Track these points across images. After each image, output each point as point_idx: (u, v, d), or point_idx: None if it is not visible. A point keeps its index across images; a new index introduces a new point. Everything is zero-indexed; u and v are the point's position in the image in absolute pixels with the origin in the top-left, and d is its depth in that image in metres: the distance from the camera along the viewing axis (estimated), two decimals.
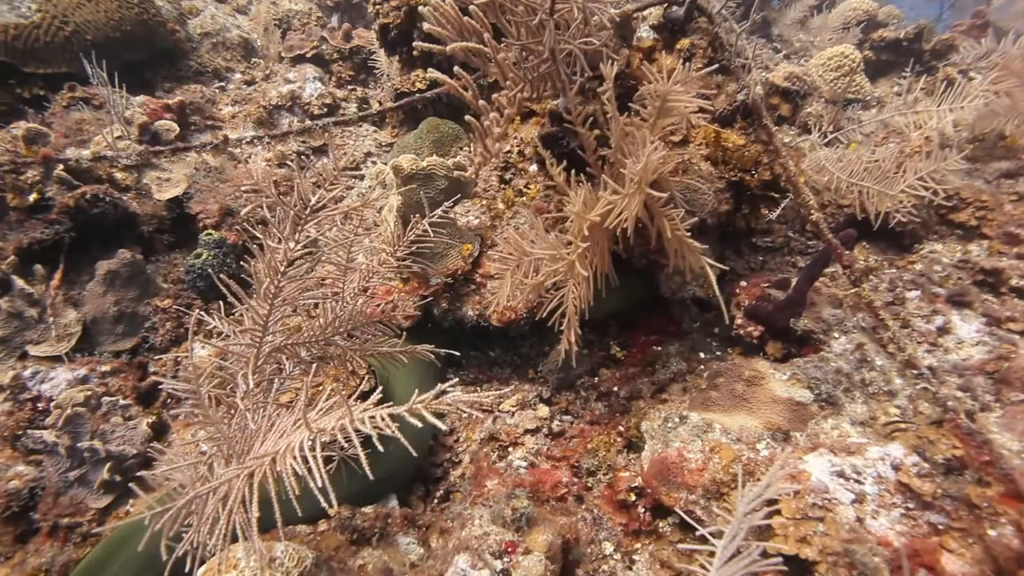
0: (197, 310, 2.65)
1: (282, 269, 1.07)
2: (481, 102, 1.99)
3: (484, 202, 2.88)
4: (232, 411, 1.00)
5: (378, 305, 2.42)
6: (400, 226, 2.19)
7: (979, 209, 2.99)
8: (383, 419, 0.81)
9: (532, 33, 2.01)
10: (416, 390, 0.97)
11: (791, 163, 2.04)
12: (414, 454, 0.97)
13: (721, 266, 1.78)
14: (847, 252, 1.89)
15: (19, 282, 2.46)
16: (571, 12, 2.03)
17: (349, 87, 4.55)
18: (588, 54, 2.25)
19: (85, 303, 2.58)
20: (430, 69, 2.02)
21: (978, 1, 7.14)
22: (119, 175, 2.95)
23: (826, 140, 2.22)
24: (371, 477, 0.86)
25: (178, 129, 3.29)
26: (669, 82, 1.83)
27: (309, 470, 0.84)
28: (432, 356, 1.68)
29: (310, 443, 0.78)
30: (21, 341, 2.45)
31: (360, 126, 4.24)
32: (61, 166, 2.66)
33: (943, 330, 2.46)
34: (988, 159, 3.50)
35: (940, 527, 1.57)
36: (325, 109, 4.10)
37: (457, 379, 2.69)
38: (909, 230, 2.98)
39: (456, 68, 1.97)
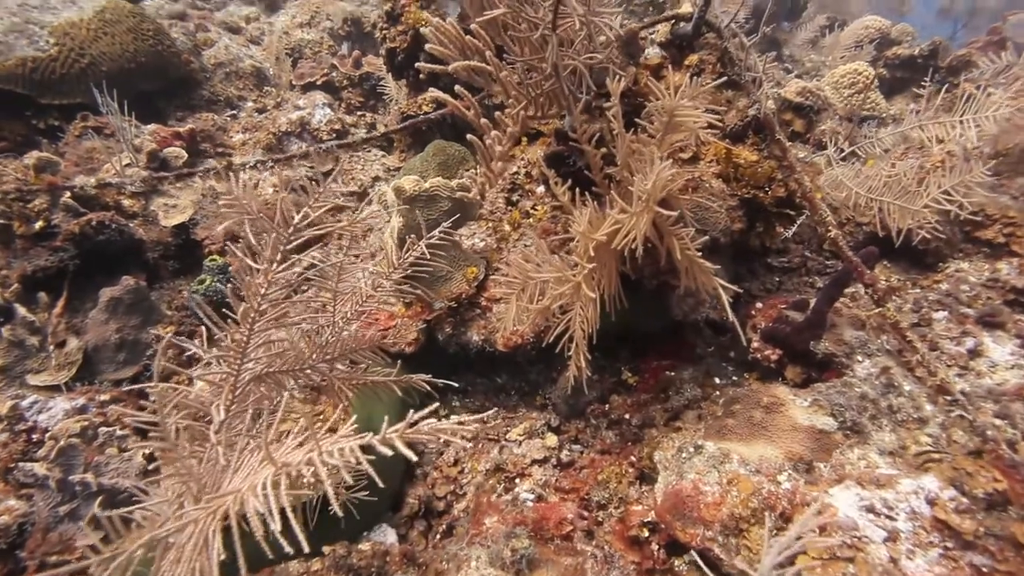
0: (168, 335, 2.60)
1: (262, 292, 1.02)
2: (483, 120, 1.94)
3: (490, 224, 2.83)
4: (207, 445, 0.94)
5: (380, 331, 2.35)
6: (398, 251, 2.14)
7: (1007, 226, 2.87)
8: (352, 451, 0.74)
9: (535, 50, 1.97)
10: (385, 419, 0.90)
11: (806, 178, 1.96)
12: (380, 484, 0.89)
13: (734, 288, 1.69)
14: (868, 271, 1.79)
15: (21, 310, 2.44)
16: (575, 29, 2.00)
17: (359, 113, 4.58)
18: (594, 72, 2.21)
19: (87, 331, 2.55)
20: (431, 89, 1.99)
21: (992, 19, 7.07)
22: (126, 202, 2.95)
23: (842, 155, 2.14)
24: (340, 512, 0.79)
25: (186, 156, 3.30)
26: (676, 97, 1.77)
27: (284, 510, 0.77)
28: (427, 387, 1.59)
29: (274, 480, 0.71)
30: (22, 370, 2.42)
31: (368, 151, 4.25)
32: (68, 193, 2.67)
33: (974, 352, 2.32)
34: (1013, 174, 3.38)
35: (984, 570, 1.44)
36: (334, 135, 4.12)
37: (460, 406, 2.65)
38: (933, 248, 2.86)
39: (457, 87, 1.93)
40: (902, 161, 2.49)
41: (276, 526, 0.68)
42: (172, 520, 0.80)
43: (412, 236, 2.04)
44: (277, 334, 1.16)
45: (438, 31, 2.04)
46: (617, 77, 1.84)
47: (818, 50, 5.92)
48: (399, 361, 2.32)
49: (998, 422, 1.89)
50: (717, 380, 2.46)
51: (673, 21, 2.46)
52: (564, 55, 1.89)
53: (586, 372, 1.95)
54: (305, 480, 0.72)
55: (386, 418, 0.87)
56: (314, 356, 1.08)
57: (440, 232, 2.35)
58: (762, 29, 2.08)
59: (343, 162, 4.02)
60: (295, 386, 1.16)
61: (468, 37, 2.03)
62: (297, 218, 1.10)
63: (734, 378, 2.45)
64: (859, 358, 2.14)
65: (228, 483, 0.80)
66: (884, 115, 4.12)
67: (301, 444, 0.80)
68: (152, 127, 3.51)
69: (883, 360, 2.11)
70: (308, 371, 1.10)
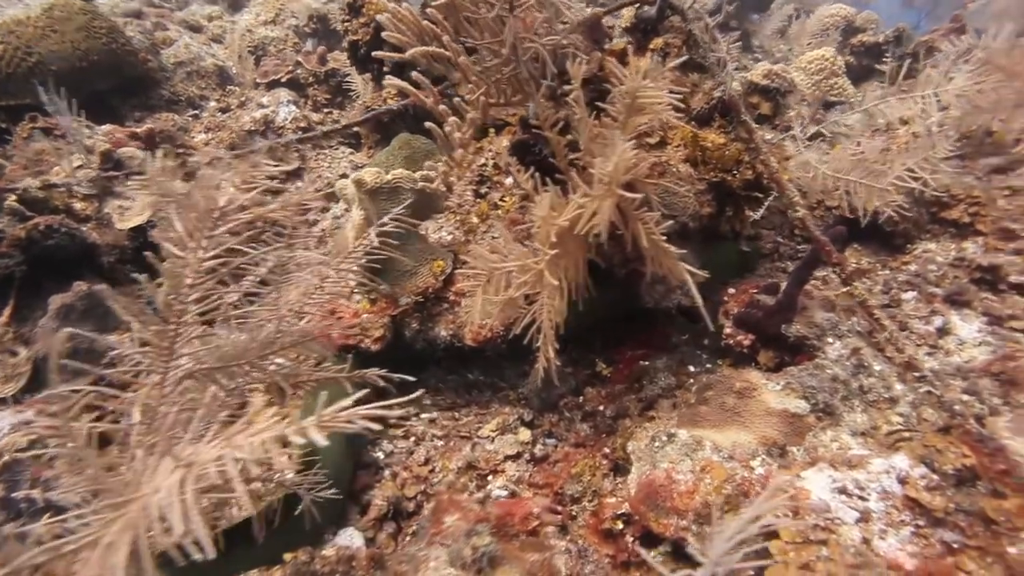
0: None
1: (188, 282, 0.95)
2: (442, 107, 1.89)
3: (458, 217, 2.77)
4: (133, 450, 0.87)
5: (345, 329, 2.28)
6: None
7: (972, 205, 2.89)
8: (263, 444, 0.68)
9: (494, 34, 1.92)
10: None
11: (772, 160, 1.93)
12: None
13: (701, 273, 1.66)
14: (836, 251, 1.77)
15: None
16: (536, 12, 1.95)
17: (325, 110, 4.48)
18: (558, 57, 2.16)
19: (37, 340, 2.44)
20: (389, 78, 1.92)
21: (954, 7, 7.19)
22: (78, 205, 2.84)
23: (808, 138, 2.13)
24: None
25: (143, 157, 3.18)
26: (638, 78, 1.73)
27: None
28: (381, 382, 1.53)
29: (179, 480, 0.64)
30: None
31: (336, 148, 4.16)
32: (13, 196, 2.55)
33: (943, 331, 2.33)
34: (977, 155, 3.42)
35: (955, 546, 1.42)
36: (300, 133, 4.02)
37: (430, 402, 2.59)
38: (901, 230, 2.87)
39: (415, 74, 1.87)
40: (868, 142, 2.49)
41: (180, 530, 0.61)
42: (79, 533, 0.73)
43: (371, 230, 1.98)
44: (220, 329, 1.09)
45: (395, 17, 1.98)
46: (578, 60, 1.80)
47: (787, 39, 5.96)
48: (364, 359, 2.26)
49: (966, 398, 1.89)
50: (692, 368, 2.43)
51: (637, 5, 2.43)
52: (524, 39, 1.84)
53: (556, 364, 1.90)
54: (221, 477, 0.65)
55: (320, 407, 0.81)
56: (255, 352, 1.02)
57: (404, 224, 2.29)
58: (725, 8, 2.05)
59: (310, 161, 3.92)
60: (237, 384, 1.09)
61: (426, 23, 1.97)
62: (222, 201, 1.04)
63: (708, 366, 2.42)
64: (830, 340, 2.12)
65: (140, 489, 0.73)
66: (851, 100, 4.14)
67: (226, 441, 0.74)
68: (107, 128, 3.38)
69: (854, 341, 2.10)
70: (248, 368, 1.04)
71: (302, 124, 4.04)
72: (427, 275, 2.31)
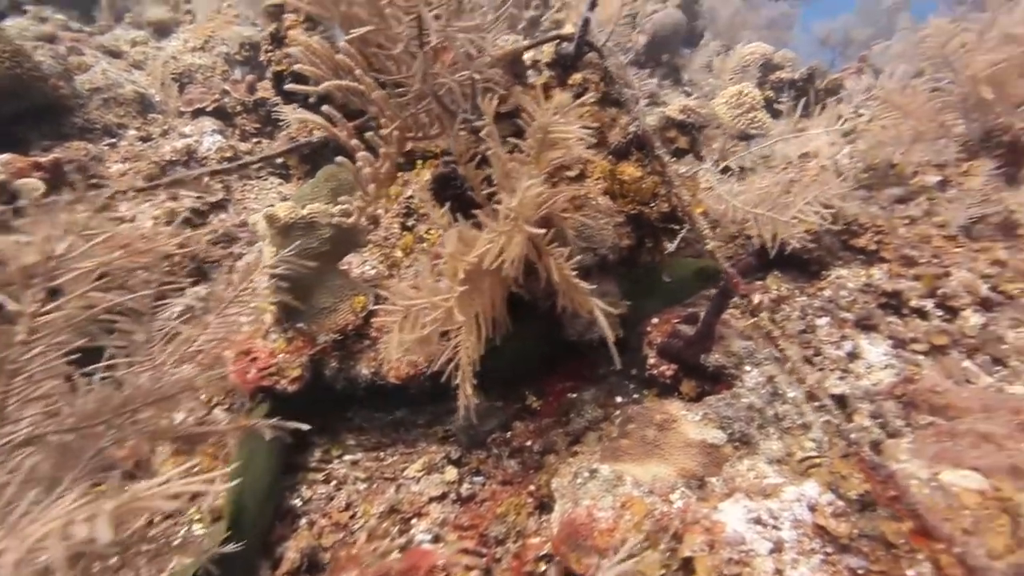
0: None
1: (21, 338, 0.86)
2: (354, 142, 1.85)
3: (383, 250, 2.72)
4: None
5: (259, 371, 2.17)
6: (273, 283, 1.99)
7: (877, 234, 3.06)
8: (44, 536, 0.60)
9: (409, 67, 1.91)
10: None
11: (685, 192, 1.98)
12: None
13: (611, 309, 1.67)
14: (743, 282, 1.82)
15: None
16: (447, 47, 1.95)
17: (254, 140, 4.36)
18: (476, 91, 2.17)
19: None
20: (298, 110, 1.87)
21: (862, 48, 7.78)
22: None
23: (720, 169, 2.21)
24: None
25: (44, 188, 2.99)
26: (548, 114, 1.75)
27: None
28: (268, 433, 1.43)
29: None
30: None
31: (265, 179, 4.04)
32: None
33: (853, 355, 2.43)
34: (882, 186, 3.64)
35: (860, 571, 1.45)
36: (225, 163, 3.88)
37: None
38: (816, 257, 3.01)
39: (325, 108, 1.83)
40: (775, 176, 2.61)
41: None
42: None
43: (286, 268, 1.90)
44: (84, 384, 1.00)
45: (307, 50, 1.94)
46: (489, 95, 1.80)
47: (714, 74, 6.24)
48: (280, 401, 2.16)
49: (869, 423, 1.96)
50: (619, 399, 2.44)
51: (557, 41, 2.48)
52: (436, 74, 1.84)
53: (475, 401, 1.86)
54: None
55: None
56: (115, 407, 0.93)
57: (322, 261, 2.22)
58: (636, 49, 2.11)
59: (235, 192, 3.79)
60: (98, 444, 0.99)
61: (339, 56, 1.94)
62: (61, 247, 0.95)
63: (635, 396, 2.43)
64: (747, 368, 2.17)
65: None
66: (770, 132, 4.36)
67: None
68: (6, 157, 3.17)
69: (769, 368, 2.15)
70: (107, 427, 0.94)
71: (228, 154, 3.90)
72: (347, 312, 2.23)
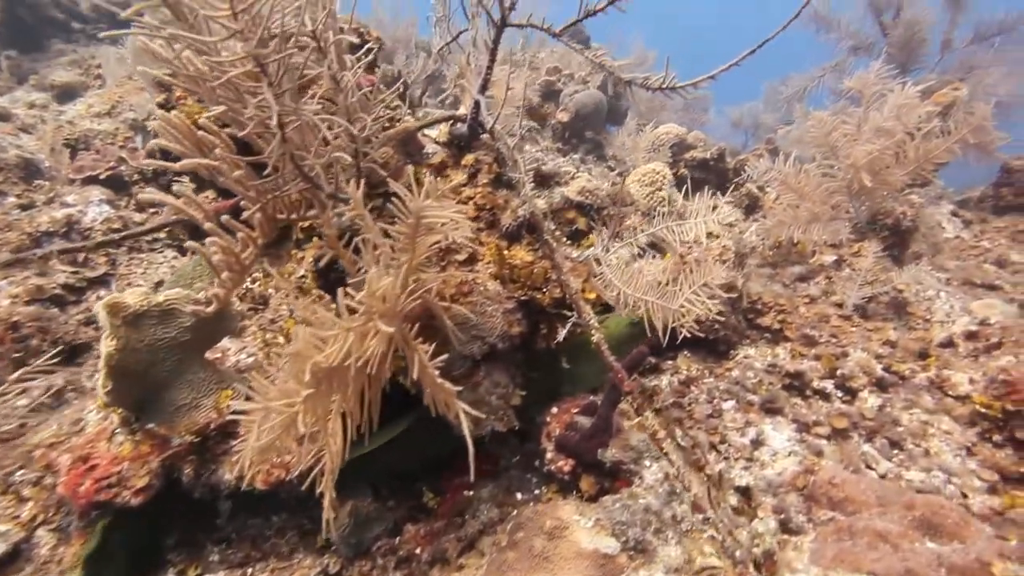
0: None
1: None
2: (208, 225, 1.68)
3: (269, 335, 2.50)
4: None
5: (95, 481, 1.87)
6: (109, 382, 1.74)
7: (779, 313, 3.11)
8: None
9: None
10: None
11: (572, 279, 1.91)
12: None
13: (476, 413, 1.52)
14: (628, 379, 1.73)
15: None
16: (310, 128, 1.85)
17: (151, 210, 4.10)
18: (363, 170, 2.07)
19: None
20: (148, 189, 1.70)
21: (770, 131, 8.38)
22: None
23: (622, 248, 2.17)
24: None
25: None
26: (420, 198, 1.65)
27: None
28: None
29: None
30: None
31: (161, 251, 3.76)
32: None
33: (757, 442, 2.36)
34: (785, 264, 3.77)
35: None
36: (111, 235, 3.59)
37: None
38: (723, 337, 3.00)
39: (177, 187, 1.68)
40: (664, 260, 2.61)
41: None
42: None
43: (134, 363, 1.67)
44: None
45: (168, 124, 1.79)
46: (354, 179, 1.70)
47: (627, 152, 6.49)
48: (123, 517, 1.86)
49: (772, 521, 1.86)
50: (519, 496, 2.26)
51: (452, 121, 2.45)
52: (302, 155, 1.72)
53: (334, 511, 1.64)
54: None
55: None
56: None
57: (182, 352, 1.99)
58: (519, 132, 2.08)
59: (122, 267, 3.49)
60: None
61: (202, 132, 1.80)
62: None
63: (536, 492, 2.26)
64: (647, 463, 2.05)
65: None
66: (679, 211, 4.49)
67: None
68: None
69: (668, 463, 2.04)
70: None
71: (116, 225, 3.62)
72: (209, 409, 1.99)
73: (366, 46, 2.55)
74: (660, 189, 4.17)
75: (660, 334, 1.90)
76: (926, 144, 3.38)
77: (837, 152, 3.42)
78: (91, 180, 4.04)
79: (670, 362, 3.02)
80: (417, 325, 1.84)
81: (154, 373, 1.90)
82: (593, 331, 1.79)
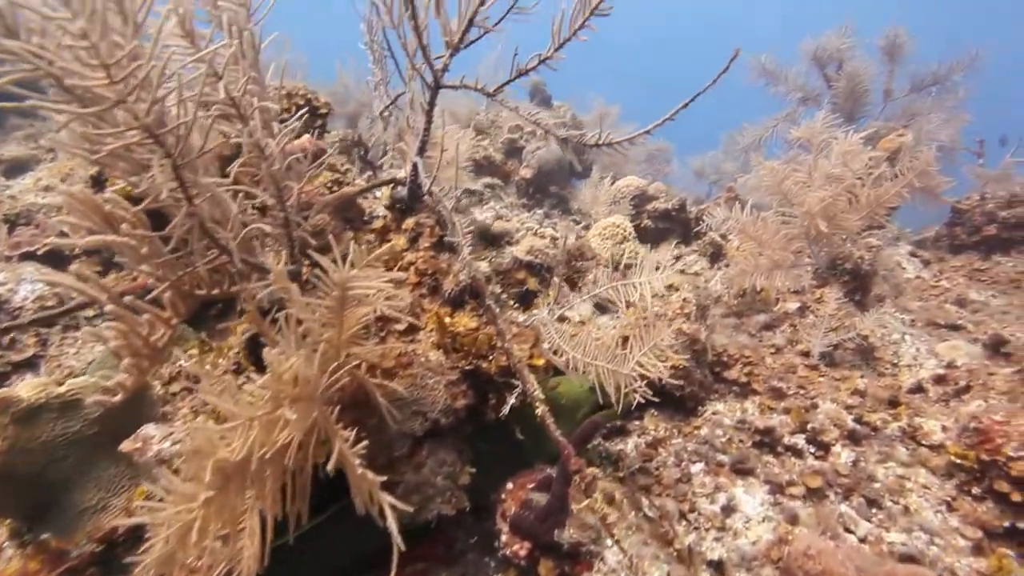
0: None
1: None
2: (110, 307, 1.54)
3: (199, 420, 2.30)
4: None
5: None
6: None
7: (746, 365, 3.01)
8: None
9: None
10: None
11: (516, 347, 1.79)
12: None
13: (405, 507, 1.36)
14: (575, 457, 1.59)
15: None
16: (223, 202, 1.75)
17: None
18: (298, 239, 1.97)
19: None
20: (44, 269, 1.56)
21: (731, 179, 8.60)
22: None
23: (556, 314, 2.06)
24: None
25: None
26: (345, 268, 1.53)
27: None
28: None
29: None
30: None
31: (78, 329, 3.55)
32: None
33: (729, 508, 2.20)
34: (750, 312, 3.71)
35: None
36: (42, 312, 3.39)
37: None
38: (689, 393, 2.88)
39: (73, 266, 1.54)
40: (612, 320, 2.52)
41: None
42: None
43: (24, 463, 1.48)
44: None
45: (71, 199, 1.67)
46: (272, 252, 1.59)
47: (586, 206, 6.52)
48: None
49: None
50: None
51: (393, 184, 2.37)
52: (215, 228, 1.61)
53: None
54: None
55: None
56: None
57: (88, 448, 1.80)
58: (455, 197, 2.01)
59: (52, 347, 3.28)
60: None
61: (109, 207, 1.68)
62: None
63: None
64: (608, 542, 1.88)
65: None
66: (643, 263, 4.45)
67: None
68: None
69: (632, 540, 1.87)
70: None
71: (49, 303, 3.42)
72: (118, 510, 1.78)
73: (301, 111, 2.49)
74: (624, 241, 4.14)
75: (613, 400, 1.78)
76: (876, 189, 3.42)
77: (791, 199, 3.43)
78: (27, 256, 3.85)
79: (637, 422, 2.88)
80: (346, 405, 1.69)
81: (52, 473, 1.69)
82: (537, 403, 1.65)
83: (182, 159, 1.42)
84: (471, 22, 1.89)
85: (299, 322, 1.61)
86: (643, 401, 1.75)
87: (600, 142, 1.75)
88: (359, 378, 1.64)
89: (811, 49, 6.91)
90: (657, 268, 1.88)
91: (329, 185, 2.89)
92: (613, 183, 6.04)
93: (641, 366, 1.71)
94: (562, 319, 3.41)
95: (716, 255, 5.11)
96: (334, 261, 1.56)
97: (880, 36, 6.56)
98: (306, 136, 3.11)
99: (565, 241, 2.65)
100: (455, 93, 4.80)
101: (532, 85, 8.66)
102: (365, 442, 1.35)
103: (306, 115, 2.90)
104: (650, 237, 5.66)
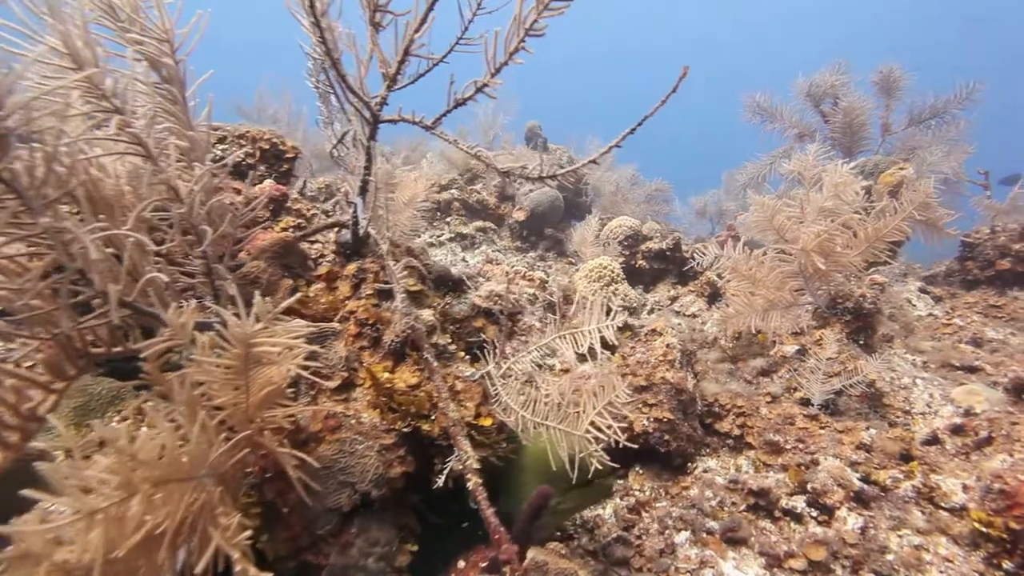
0: None
1: None
2: None
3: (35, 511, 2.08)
4: None
5: None
6: None
7: (739, 416, 2.74)
8: None
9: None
10: None
11: (452, 408, 1.57)
12: None
13: None
14: (507, 542, 1.34)
15: None
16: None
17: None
18: (241, 288, 1.79)
19: None
20: None
21: (732, 218, 8.43)
22: None
23: (502, 371, 1.82)
24: None
25: None
26: (249, 323, 1.34)
27: None
28: None
29: None
30: None
31: None
32: None
33: None
34: (747, 356, 3.44)
35: None
36: None
37: None
38: (676, 448, 2.60)
39: None
40: (561, 378, 2.29)
41: None
42: None
43: None
44: None
45: None
46: (175, 306, 1.40)
47: (576, 247, 6.34)
48: None
49: None
50: None
51: (337, 228, 2.21)
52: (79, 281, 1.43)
53: None
54: None
55: None
56: None
57: None
58: (387, 237, 1.83)
59: None
60: None
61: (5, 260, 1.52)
62: None
63: None
64: None
65: None
66: (635, 304, 4.23)
67: None
68: None
69: None
70: None
71: None
72: None
73: (234, 154, 2.37)
74: (612, 283, 3.93)
75: (567, 465, 1.53)
76: (875, 223, 3.20)
77: (783, 235, 3.22)
78: None
79: (620, 481, 2.60)
80: (272, 476, 1.48)
81: None
82: (470, 476, 1.41)
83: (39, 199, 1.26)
84: (407, 52, 1.75)
85: (197, 383, 1.41)
86: (600, 468, 1.50)
87: (543, 175, 1.57)
88: (266, 447, 1.42)
89: (804, 86, 6.83)
90: (609, 312, 1.66)
91: (290, 231, 2.74)
92: (603, 224, 5.88)
93: (596, 427, 1.47)
94: (540, 367, 3.17)
95: (714, 295, 4.87)
96: (236, 315, 1.38)
97: (873, 71, 6.48)
98: (268, 181, 2.99)
99: (509, 280, 2.45)
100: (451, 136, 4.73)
101: (528, 129, 8.65)
102: (248, 531, 1.12)
103: (289, 159, 2.78)
104: (645, 278, 5.46)
